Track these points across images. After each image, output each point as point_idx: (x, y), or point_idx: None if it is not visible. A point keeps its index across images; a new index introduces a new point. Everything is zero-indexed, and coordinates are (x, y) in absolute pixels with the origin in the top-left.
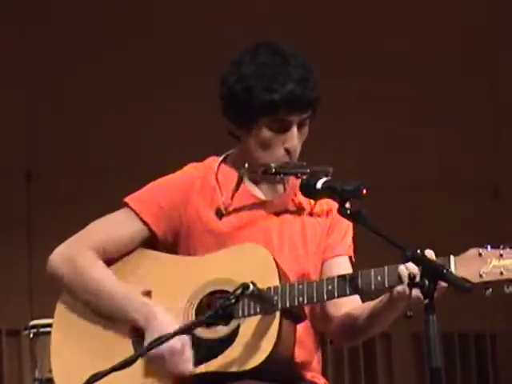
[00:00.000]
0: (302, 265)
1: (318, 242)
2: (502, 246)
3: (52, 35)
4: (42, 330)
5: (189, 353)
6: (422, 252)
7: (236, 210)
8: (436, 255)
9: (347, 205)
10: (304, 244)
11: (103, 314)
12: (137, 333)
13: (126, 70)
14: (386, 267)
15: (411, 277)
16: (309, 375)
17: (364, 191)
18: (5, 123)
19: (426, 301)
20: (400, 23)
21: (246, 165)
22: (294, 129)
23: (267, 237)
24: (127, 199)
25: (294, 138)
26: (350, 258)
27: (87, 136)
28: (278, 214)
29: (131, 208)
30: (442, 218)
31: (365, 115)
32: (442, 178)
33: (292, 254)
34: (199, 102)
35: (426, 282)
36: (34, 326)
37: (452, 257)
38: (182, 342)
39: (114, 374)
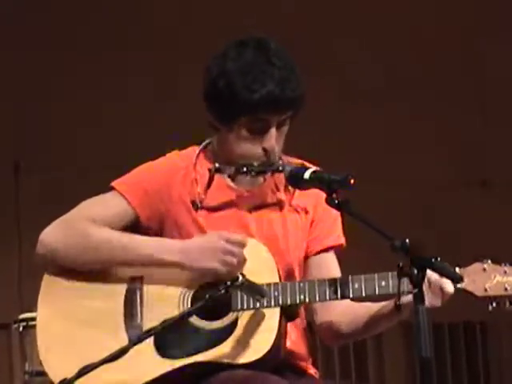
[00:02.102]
0: (284, 258)
1: (301, 236)
2: (503, 264)
3: (51, 35)
4: (31, 323)
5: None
6: (411, 242)
7: (210, 205)
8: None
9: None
10: (285, 236)
11: (119, 263)
12: (129, 310)
13: (122, 69)
14: (390, 273)
15: (399, 266)
16: (298, 364)
17: (352, 181)
18: None
19: (415, 290)
20: (400, 21)
21: (217, 164)
22: (273, 130)
23: (246, 231)
24: (113, 183)
25: (272, 139)
26: (340, 246)
27: (78, 132)
28: (256, 205)
29: (118, 191)
30: (433, 210)
31: (360, 113)
32: (433, 170)
33: (273, 246)
34: (195, 105)
35: (415, 271)
36: (23, 320)
37: (457, 269)
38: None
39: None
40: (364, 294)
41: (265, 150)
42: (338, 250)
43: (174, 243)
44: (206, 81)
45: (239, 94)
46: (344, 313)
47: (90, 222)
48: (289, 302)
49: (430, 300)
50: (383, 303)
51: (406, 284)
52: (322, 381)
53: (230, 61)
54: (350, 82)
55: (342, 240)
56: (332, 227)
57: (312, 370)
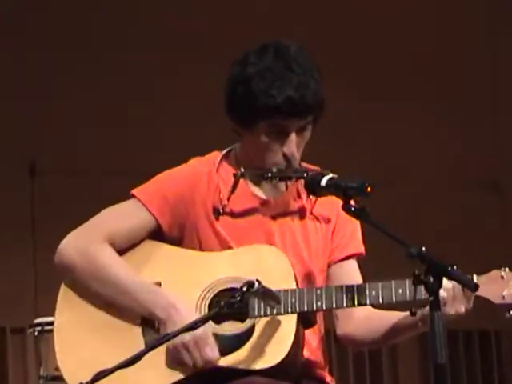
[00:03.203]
0: (306, 266)
1: (322, 244)
2: None
3: (51, 35)
4: (46, 327)
5: (213, 340)
6: (426, 249)
7: (233, 211)
8: (441, 250)
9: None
10: (307, 245)
11: (118, 306)
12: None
13: (122, 69)
14: (407, 280)
15: (415, 274)
16: (316, 372)
17: (368, 188)
18: (9, 121)
19: (431, 298)
20: (400, 21)
21: (242, 169)
22: (293, 135)
23: (269, 239)
24: (134, 191)
25: (292, 144)
26: (361, 254)
27: (77, 133)
28: (279, 213)
29: (138, 199)
30: (444, 213)
31: (361, 113)
32: (443, 172)
33: (295, 254)
34: (195, 105)
35: (431, 279)
36: (38, 324)
37: (475, 276)
38: (205, 330)
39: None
40: (381, 301)
41: (285, 156)
42: (358, 258)
43: (167, 301)
44: (227, 85)
45: (257, 99)
46: (366, 320)
47: (106, 246)
48: (306, 309)
49: (455, 307)
50: (404, 313)
51: (423, 293)
52: None
53: (249, 66)
54: (352, 82)
55: (362, 249)
56: (352, 235)
57: (328, 378)
